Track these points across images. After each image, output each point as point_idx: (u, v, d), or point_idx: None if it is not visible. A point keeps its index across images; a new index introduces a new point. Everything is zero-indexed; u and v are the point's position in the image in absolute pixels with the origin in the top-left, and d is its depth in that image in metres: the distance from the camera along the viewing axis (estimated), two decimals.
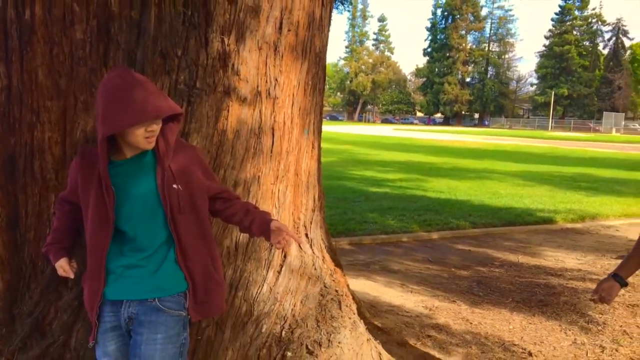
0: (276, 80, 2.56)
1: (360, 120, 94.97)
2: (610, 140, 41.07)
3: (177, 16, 2.31)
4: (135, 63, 2.32)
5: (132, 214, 1.91)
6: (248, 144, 2.50)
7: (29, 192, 2.42)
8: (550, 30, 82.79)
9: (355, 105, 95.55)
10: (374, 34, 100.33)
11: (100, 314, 1.99)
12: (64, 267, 2.01)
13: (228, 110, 2.42)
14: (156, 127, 1.84)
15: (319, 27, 2.81)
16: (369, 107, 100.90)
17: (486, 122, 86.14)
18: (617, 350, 3.76)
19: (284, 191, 2.67)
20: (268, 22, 2.49)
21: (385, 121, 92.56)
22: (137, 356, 1.94)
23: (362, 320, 2.94)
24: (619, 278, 2.33)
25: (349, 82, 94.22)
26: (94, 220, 1.91)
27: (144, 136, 1.82)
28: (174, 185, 1.88)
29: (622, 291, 4.81)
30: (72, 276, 2.02)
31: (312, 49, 2.78)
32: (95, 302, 1.95)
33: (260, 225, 2.04)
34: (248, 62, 2.45)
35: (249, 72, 2.46)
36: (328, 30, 3.04)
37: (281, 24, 2.54)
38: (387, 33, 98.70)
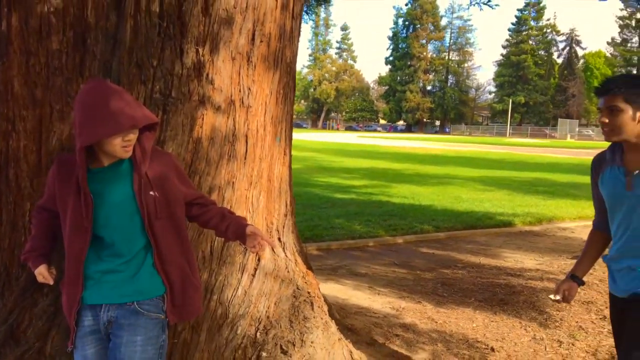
0: (249, 89, 2.65)
1: (324, 127, 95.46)
2: (566, 146, 42.48)
3: (153, 27, 2.38)
4: (111, 73, 2.37)
5: (109, 221, 1.96)
6: (222, 151, 2.58)
7: (4, 200, 2.44)
8: (507, 40, 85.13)
9: (319, 113, 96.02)
10: (337, 42, 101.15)
11: (79, 318, 2.02)
12: (43, 273, 2.05)
13: (203, 119, 2.50)
14: (133, 137, 1.89)
15: (289, 38, 2.92)
16: (332, 114, 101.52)
17: (447, 129, 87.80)
18: (573, 345, 3.96)
19: (257, 196, 2.75)
20: (241, 34, 2.58)
21: (349, 128, 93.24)
22: (117, 359, 1.98)
23: (333, 321, 3.04)
24: (576, 278, 2.50)
25: (312, 89, 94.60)
26: (72, 226, 1.95)
27: (121, 145, 1.87)
28: (151, 192, 1.94)
29: (578, 289, 5.06)
30: (51, 282, 2.07)
31: (283, 60, 2.88)
32: (73, 307, 1.98)
33: (236, 230, 2.12)
34: (222, 72, 2.53)
35: (223, 82, 2.54)
36: (298, 42, 3.15)
37: (254, 35, 2.63)
38: (349, 41, 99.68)
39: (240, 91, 2.61)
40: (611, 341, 4.02)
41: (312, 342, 2.74)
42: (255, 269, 2.70)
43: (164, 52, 2.40)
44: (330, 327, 2.94)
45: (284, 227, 2.98)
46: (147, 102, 2.38)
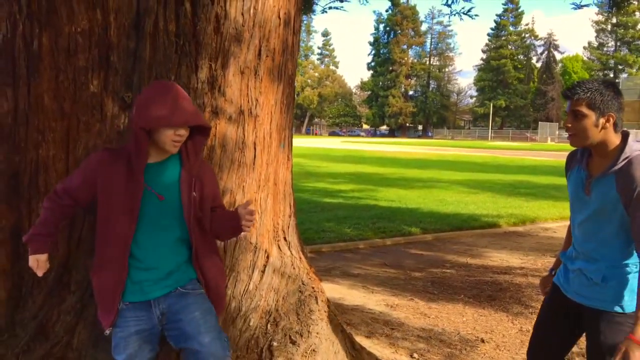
0: (257, 100, 2.87)
1: (307, 133, 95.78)
2: (546, 149, 43.25)
3: (170, 45, 2.59)
4: (133, 87, 2.59)
5: (152, 214, 2.14)
6: (233, 157, 2.80)
7: (33, 205, 2.63)
8: (487, 45, 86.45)
9: (302, 119, 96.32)
10: (319, 48, 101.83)
11: (122, 320, 2.17)
12: (40, 260, 2.16)
13: (216, 128, 2.72)
14: (184, 133, 2.11)
15: (291, 52, 3.15)
16: (316, 120, 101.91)
17: (429, 134, 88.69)
18: None
19: (265, 199, 2.98)
20: (249, 50, 2.80)
21: (332, 134, 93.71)
22: (185, 339, 2.18)
23: (335, 314, 3.27)
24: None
25: (295, 96, 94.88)
26: (119, 211, 2.09)
27: (172, 138, 2.08)
28: (193, 193, 2.16)
29: None
30: (40, 273, 2.17)
31: (285, 72, 3.11)
32: (119, 288, 2.12)
33: (233, 222, 2.26)
34: (232, 85, 2.76)
35: (233, 94, 2.76)
36: (298, 55, 3.38)
37: (260, 50, 2.86)
38: (331, 47, 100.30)
39: (249, 102, 2.83)
40: None
41: (317, 333, 2.96)
42: (265, 266, 2.92)
43: (180, 68, 2.62)
44: (333, 319, 3.16)
45: (288, 227, 3.20)
46: None
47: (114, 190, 2.09)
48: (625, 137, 2.18)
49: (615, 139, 2.18)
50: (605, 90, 2.15)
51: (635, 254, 2.18)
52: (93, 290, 2.25)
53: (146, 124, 2.04)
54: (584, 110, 2.15)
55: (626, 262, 2.20)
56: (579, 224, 2.33)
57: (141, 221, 2.12)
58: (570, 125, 2.20)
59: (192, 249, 2.21)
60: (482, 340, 4.10)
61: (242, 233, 2.32)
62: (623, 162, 2.12)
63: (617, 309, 2.20)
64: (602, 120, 2.15)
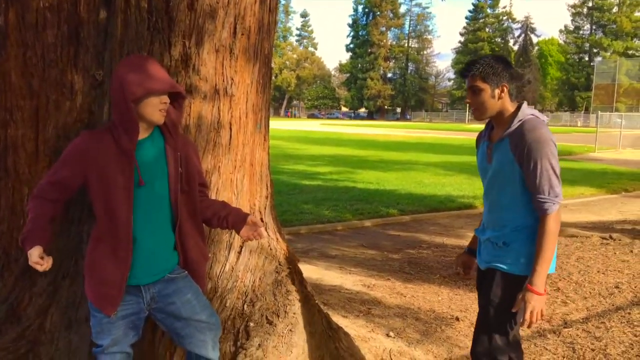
0: (232, 79, 2.83)
1: (286, 115, 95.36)
2: None
3: (142, 22, 2.52)
4: (104, 64, 2.52)
5: (142, 192, 2.09)
6: (209, 137, 2.76)
7: (2, 185, 2.56)
8: (464, 28, 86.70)
9: (280, 101, 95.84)
10: (297, 29, 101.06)
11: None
12: (34, 255, 2.00)
13: (190, 107, 2.67)
14: (167, 101, 2.08)
15: (267, 31, 3.10)
16: (294, 102, 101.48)
17: (408, 116, 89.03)
18: None
19: (241, 180, 2.95)
20: (224, 27, 2.75)
21: (311, 116, 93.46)
22: (180, 320, 2.20)
23: (312, 294, 3.27)
24: (471, 251, 2.72)
25: (273, 78, 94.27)
26: (116, 195, 2.02)
27: (158, 107, 2.04)
28: (180, 169, 2.14)
29: None
30: (41, 268, 2.00)
31: (262, 51, 3.06)
32: (125, 275, 2.08)
33: (235, 218, 2.31)
34: (207, 63, 2.70)
35: (208, 72, 2.71)
36: (274, 34, 3.33)
37: (235, 28, 2.80)
38: (310, 29, 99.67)
39: (224, 81, 2.79)
40: (564, 309, 4.41)
41: (294, 313, 2.97)
42: (241, 247, 2.90)
43: (153, 45, 2.55)
44: (310, 299, 3.17)
45: (265, 208, 3.18)
46: None
47: (107, 174, 2.02)
48: (519, 105, 2.34)
49: (511, 108, 2.35)
50: (495, 63, 2.31)
51: (533, 219, 2.28)
52: (90, 281, 2.14)
53: (134, 95, 1.99)
54: (480, 84, 2.32)
55: (528, 225, 2.30)
56: (486, 195, 2.47)
57: (135, 202, 2.06)
58: (470, 100, 2.38)
59: (177, 227, 2.18)
60: (457, 319, 4.16)
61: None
62: (516, 125, 2.28)
63: (514, 270, 2.31)
64: (497, 91, 2.31)
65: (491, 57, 2.35)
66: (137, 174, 2.06)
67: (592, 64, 73.48)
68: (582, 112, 69.53)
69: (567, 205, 9.59)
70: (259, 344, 2.78)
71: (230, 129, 2.86)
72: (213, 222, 2.37)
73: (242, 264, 2.89)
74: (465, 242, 6.79)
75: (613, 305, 4.43)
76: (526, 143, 2.21)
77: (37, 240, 2.05)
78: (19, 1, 2.39)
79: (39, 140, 2.52)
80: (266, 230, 3.11)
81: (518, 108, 2.33)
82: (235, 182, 2.92)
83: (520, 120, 2.29)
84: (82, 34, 2.48)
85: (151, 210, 2.12)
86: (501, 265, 2.35)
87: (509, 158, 2.28)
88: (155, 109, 2.04)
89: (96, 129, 2.18)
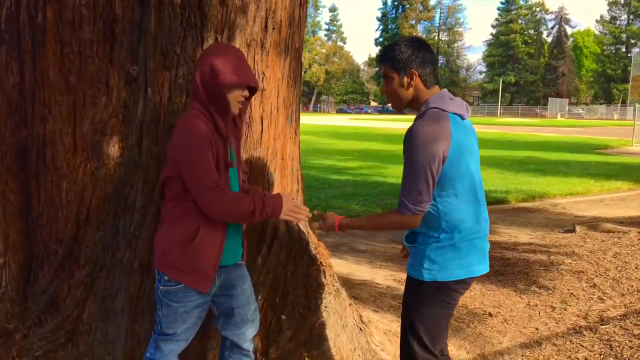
0: (264, 74, 2.84)
1: (315, 110, 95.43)
2: (556, 125, 42.89)
3: (176, 17, 2.55)
4: (138, 60, 2.56)
5: (229, 174, 2.18)
6: (241, 132, 2.78)
7: (41, 180, 2.63)
8: (496, 19, 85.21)
9: (309, 96, 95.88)
10: (326, 24, 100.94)
11: (183, 295, 2.13)
12: (298, 208, 2.19)
13: None
14: (247, 95, 2.17)
15: (298, 25, 3.10)
16: (323, 97, 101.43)
17: None
18: (565, 310, 4.23)
19: (272, 174, 2.96)
20: (255, 22, 2.76)
21: (340, 111, 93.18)
22: (232, 306, 2.28)
23: (343, 288, 3.28)
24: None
25: (303, 73, 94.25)
26: (221, 171, 2.10)
27: (238, 99, 2.12)
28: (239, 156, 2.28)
29: (569, 260, 5.35)
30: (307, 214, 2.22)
31: (292, 46, 3.07)
32: (221, 249, 2.14)
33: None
34: None
35: None
36: (305, 28, 3.33)
37: (266, 23, 2.81)
38: (338, 23, 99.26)
39: (255, 75, 2.80)
40: (601, 306, 4.31)
41: (325, 307, 2.97)
42: (273, 240, 2.92)
43: (186, 40, 2.58)
44: (341, 293, 3.17)
45: None
46: (172, 87, 2.57)
47: (217, 153, 2.08)
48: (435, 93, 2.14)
49: (426, 95, 2.15)
50: (405, 47, 2.12)
51: (442, 225, 2.12)
52: (185, 258, 2.09)
53: (227, 82, 2.05)
54: (389, 72, 2.15)
55: (426, 231, 2.16)
56: None
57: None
58: (384, 90, 2.20)
59: None
60: (490, 315, 4.11)
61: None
62: (415, 120, 2.11)
63: (416, 275, 2.19)
64: (406, 79, 2.12)
65: (403, 41, 2.15)
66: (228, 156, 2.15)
67: (629, 55, 71.35)
68: (619, 104, 67.63)
69: (603, 200, 9.37)
70: (291, 337, 2.80)
71: (262, 123, 2.87)
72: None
73: (274, 257, 2.91)
74: (497, 237, 6.73)
75: None
76: (405, 138, 2.05)
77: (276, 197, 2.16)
78: None
79: (76, 135, 2.57)
80: (297, 224, 3.13)
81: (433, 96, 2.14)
82: (267, 175, 2.93)
83: (421, 113, 2.11)
84: (117, 30, 2.52)
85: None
86: (409, 269, 2.26)
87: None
88: (235, 100, 2.12)
89: (194, 114, 2.09)
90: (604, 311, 4.15)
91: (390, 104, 2.28)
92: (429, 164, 1.99)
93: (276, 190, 3.01)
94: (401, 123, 45.53)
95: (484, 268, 2.23)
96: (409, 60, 2.10)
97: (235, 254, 2.27)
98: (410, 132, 2.05)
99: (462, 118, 2.16)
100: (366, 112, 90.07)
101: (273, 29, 2.86)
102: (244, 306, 2.31)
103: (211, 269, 2.13)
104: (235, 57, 2.12)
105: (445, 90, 2.19)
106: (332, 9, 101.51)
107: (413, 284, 2.24)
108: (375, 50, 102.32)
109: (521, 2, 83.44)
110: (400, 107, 2.21)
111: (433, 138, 2.00)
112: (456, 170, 2.08)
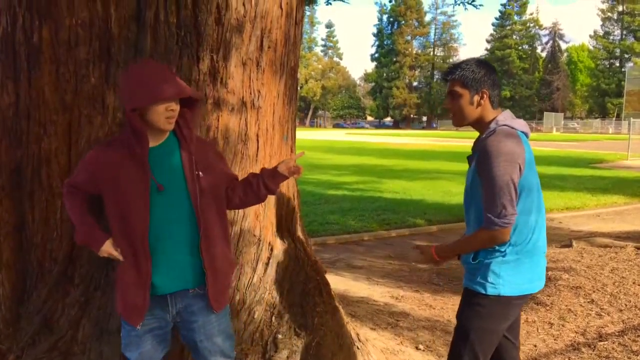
0: (259, 92, 2.85)
1: (312, 125, 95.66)
2: (551, 139, 43.00)
3: (171, 37, 2.57)
4: None
5: (161, 200, 2.04)
6: (236, 149, 2.78)
7: (36, 198, 2.62)
8: (491, 35, 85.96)
9: (306, 111, 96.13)
10: (322, 40, 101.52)
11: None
12: (109, 250, 2.08)
13: (218, 120, 2.70)
14: (176, 108, 2.02)
15: (293, 43, 3.12)
16: (320, 112, 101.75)
17: (434, 125, 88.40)
18: (563, 326, 4.21)
19: None
20: (251, 41, 2.77)
21: (336, 126, 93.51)
22: (198, 337, 2.17)
23: (340, 306, 3.26)
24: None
25: (299, 88, 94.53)
26: (131, 202, 2.00)
27: (164, 115, 1.99)
28: (196, 172, 2.08)
29: (566, 275, 5.34)
30: (121, 259, 2.08)
31: (288, 64, 3.08)
32: (148, 280, 2.04)
33: (267, 173, 2.27)
34: (234, 76, 2.73)
35: (235, 85, 2.74)
36: (300, 46, 3.35)
37: (262, 42, 2.83)
38: (335, 39, 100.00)
39: (251, 94, 2.81)
40: (599, 322, 4.29)
41: (322, 325, 2.95)
42: (269, 258, 2.91)
43: (182, 59, 2.59)
44: (338, 311, 3.15)
45: (292, 220, 3.19)
46: None
47: (121, 182, 2.01)
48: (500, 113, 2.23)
49: (491, 115, 2.23)
50: (477, 68, 2.20)
51: (511, 240, 2.16)
52: (118, 292, 2.15)
53: (135, 104, 1.97)
54: (459, 89, 2.21)
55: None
56: (465, 209, 2.37)
57: (153, 210, 2.03)
58: (449, 105, 2.27)
59: (201, 231, 2.09)
60: None
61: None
62: (485, 135, 2.17)
63: (479, 289, 2.21)
64: (476, 98, 2.20)
65: (474, 62, 2.24)
66: (154, 182, 2.03)
67: (623, 69, 71.99)
68: (614, 119, 68.03)
69: (599, 215, 9.38)
70: (287, 356, 2.77)
71: (257, 140, 2.88)
72: (250, 196, 2.29)
73: (270, 275, 2.89)
74: None
75: None
76: (481, 154, 2.12)
77: (100, 233, 2.11)
78: (52, 18, 2.46)
79: (71, 153, 2.57)
80: (294, 241, 3.12)
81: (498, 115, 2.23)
82: None
83: (491, 130, 2.16)
84: (113, 50, 2.52)
85: (172, 217, 2.06)
86: (470, 283, 2.27)
87: (474, 171, 2.19)
88: (160, 116, 2.00)
89: (107, 141, 2.17)
90: (602, 327, 4.13)
91: (453, 120, 2.32)
92: (511, 177, 2.06)
93: (272, 208, 3.01)
94: (397, 138, 45.65)
95: (541, 284, 2.29)
96: (482, 80, 2.19)
97: (180, 278, 2.11)
98: (486, 148, 2.10)
99: (527, 136, 2.26)
100: (362, 127, 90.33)
101: (269, 47, 2.88)
102: (208, 339, 2.19)
103: (140, 302, 2.06)
104: (148, 74, 2.01)
105: (509, 110, 2.29)
106: (329, 25, 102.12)
107: (473, 297, 2.26)
108: (371, 66, 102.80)
109: (515, 18, 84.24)
110: (462, 124, 2.28)
111: (512, 151, 2.07)
112: (528, 185, 2.14)
